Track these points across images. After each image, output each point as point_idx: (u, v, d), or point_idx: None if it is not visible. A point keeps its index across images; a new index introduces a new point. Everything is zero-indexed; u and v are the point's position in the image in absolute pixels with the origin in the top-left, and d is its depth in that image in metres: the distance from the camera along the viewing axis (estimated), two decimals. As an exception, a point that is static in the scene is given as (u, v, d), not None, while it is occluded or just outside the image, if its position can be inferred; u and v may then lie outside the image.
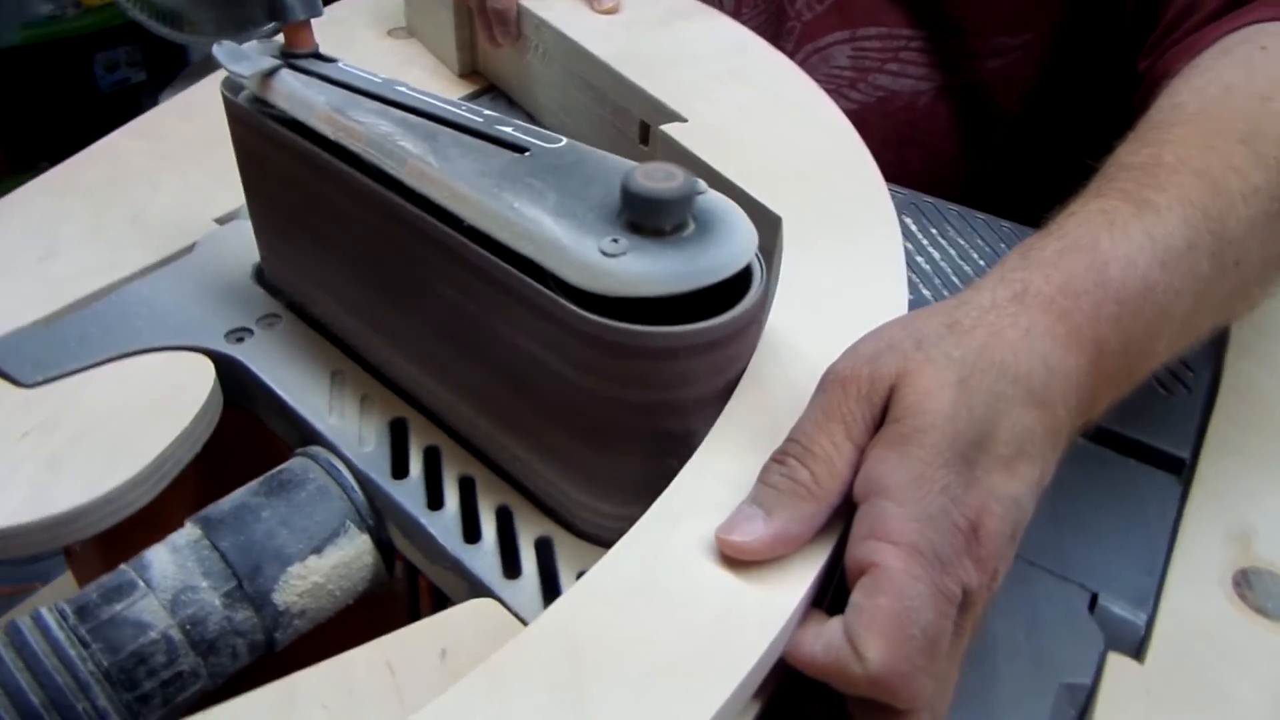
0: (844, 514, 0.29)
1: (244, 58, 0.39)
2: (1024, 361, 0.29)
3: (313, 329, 0.44)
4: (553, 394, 0.33)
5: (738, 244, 0.31)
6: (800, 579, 0.28)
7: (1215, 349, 0.48)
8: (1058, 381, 0.30)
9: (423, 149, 0.34)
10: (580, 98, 0.58)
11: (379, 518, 0.37)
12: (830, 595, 0.30)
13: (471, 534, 0.35)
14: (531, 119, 0.64)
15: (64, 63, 1.93)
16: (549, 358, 0.32)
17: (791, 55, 0.63)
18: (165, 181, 0.53)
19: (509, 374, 0.34)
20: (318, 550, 0.36)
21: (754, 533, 0.28)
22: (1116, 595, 0.36)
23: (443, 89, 0.66)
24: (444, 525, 0.36)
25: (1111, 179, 0.36)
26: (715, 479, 0.31)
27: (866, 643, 0.26)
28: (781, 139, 0.48)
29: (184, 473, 0.47)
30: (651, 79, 0.52)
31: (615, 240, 0.30)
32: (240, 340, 0.43)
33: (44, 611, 0.33)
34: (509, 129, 0.36)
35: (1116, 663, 0.34)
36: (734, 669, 0.26)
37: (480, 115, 0.37)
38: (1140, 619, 0.36)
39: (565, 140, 0.35)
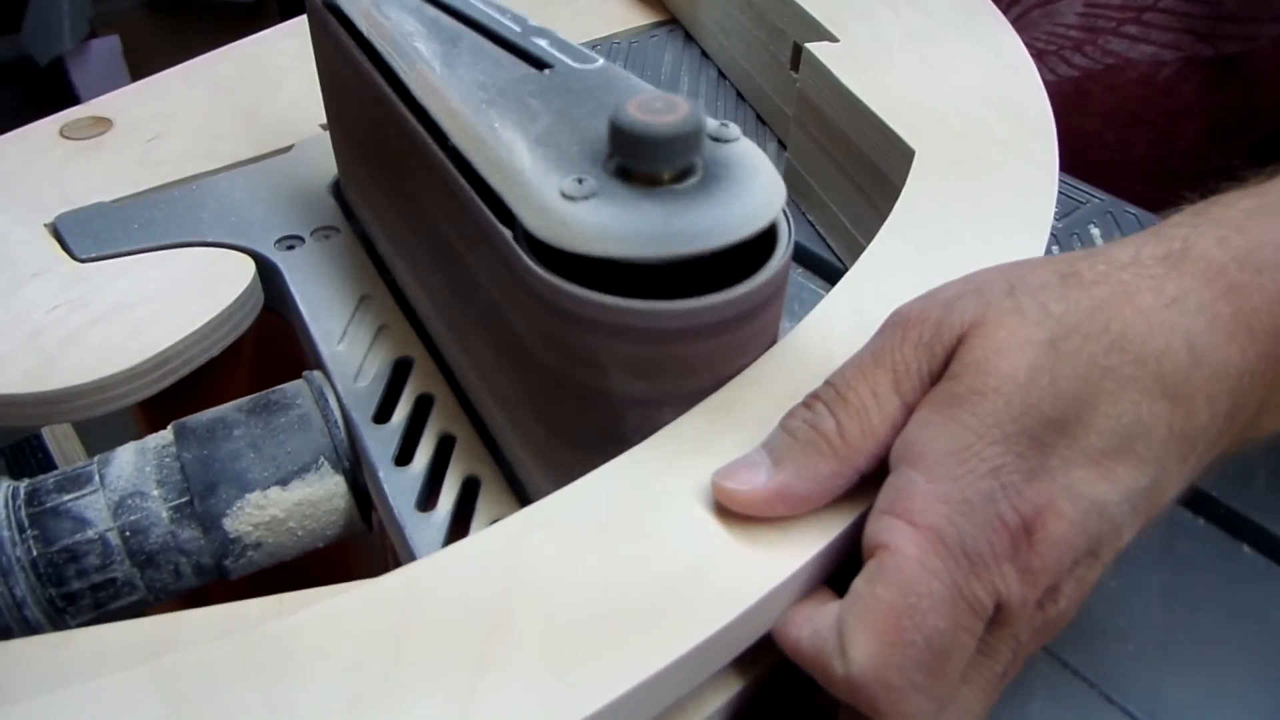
0: (878, 481, 0.23)
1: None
2: (1157, 338, 0.23)
3: (364, 247, 0.41)
4: (519, 361, 0.28)
5: (744, 206, 0.24)
6: (801, 548, 0.23)
7: None
8: (1204, 373, 0.23)
9: (435, 53, 0.30)
10: (740, 18, 0.53)
11: (358, 461, 0.34)
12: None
13: (426, 501, 0.31)
14: (691, 39, 0.60)
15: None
16: (514, 317, 0.27)
17: (1007, 10, 0.53)
18: (292, 82, 0.52)
19: (487, 327, 0.30)
20: (283, 482, 0.33)
21: (752, 482, 0.23)
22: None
23: (620, 11, 0.62)
24: (402, 484, 0.32)
25: None
26: (741, 422, 0.25)
27: (854, 638, 0.21)
28: (943, 71, 0.42)
29: (240, 372, 0.47)
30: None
31: (580, 181, 0.24)
32: (290, 248, 0.41)
33: (2, 486, 0.32)
34: (544, 41, 0.30)
35: None
36: (685, 636, 0.21)
37: (520, 25, 0.31)
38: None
39: (601, 61, 0.29)
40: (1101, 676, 0.28)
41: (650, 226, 0.23)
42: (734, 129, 0.26)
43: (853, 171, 0.41)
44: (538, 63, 0.29)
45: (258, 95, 0.51)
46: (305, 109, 0.50)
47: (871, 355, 0.24)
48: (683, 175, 0.24)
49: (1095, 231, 0.45)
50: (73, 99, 0.52)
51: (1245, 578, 0.32)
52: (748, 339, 0.26)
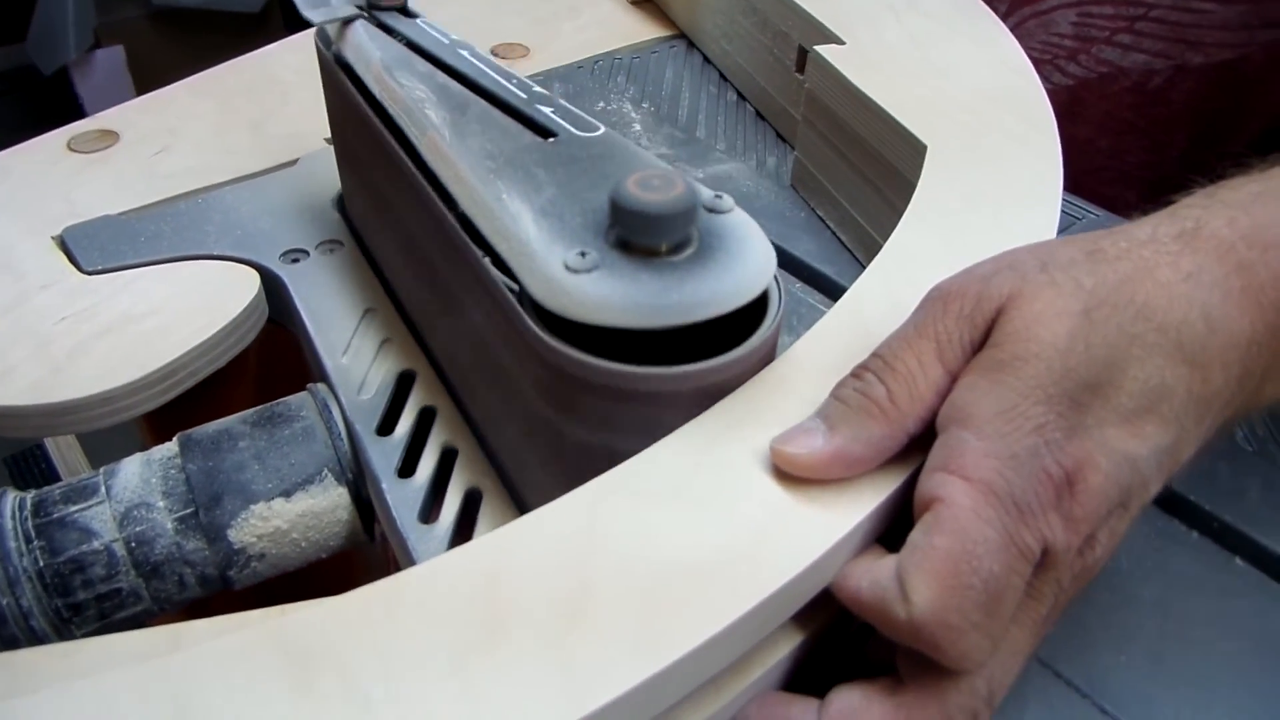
0: (925, 444, 0.25)
1: (321, 3, 0.37)
2: (1178, 309, 0.25)
3: (368, 263, 0.41)
4: (523, 417, 0.29)
5: (736, 277, 0.25)
6: (857, 507, 0.25)
7: None
8: (1219, 341, 0.25)
9: (445, 121, 0.31)
10: (744, 23, 0.55)
11: (362, 473, 0.34)
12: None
13: (429, 513, 0.32)
14: (693, 45, 0.61)
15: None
16: (515, 369, 0.28)
17: (1005, 18, 0.54)
18: (298, 97, 0.53)
19: (486, 375, 0.30)
20: (286, 494, 0.34)
21: (810, 446, 0.25)
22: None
23: (623, 24, 0.62)
24: (405, 496, 0.32)
25: None
26: (790, 394, 0.27)
27: (916, 584, 0.22)
28: (945, 70, 0.43)
29: (245, 385, 0.47)
30: (818, 2, 0.48)
31: (583, 254, 0.24)
32: (295, 261, 0.41)
33: (8, 498, 0.32)
34: (549, 110, 0.31)
35: None
36: (757, 589, 0.23)
37: (527, 92, 0.32)
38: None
39: (603, 130, 0.30)
40: (1095, 688, 0.29)
41: (649, 298, 0.24)
42: (727, 200, 0.27)
43: (864, 168, 0.42)
44: (543, 131, 0.30)
45: (263, 109, 0.51)
46: (310, 123, 0.50)
47: (915, 328, 0.26)
48: (679, 247, 0.25)
49: (1091, 246, 0.46)
50: (77, 109, 0.52)
51: (1238, 590, 0.32)
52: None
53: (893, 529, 0.26)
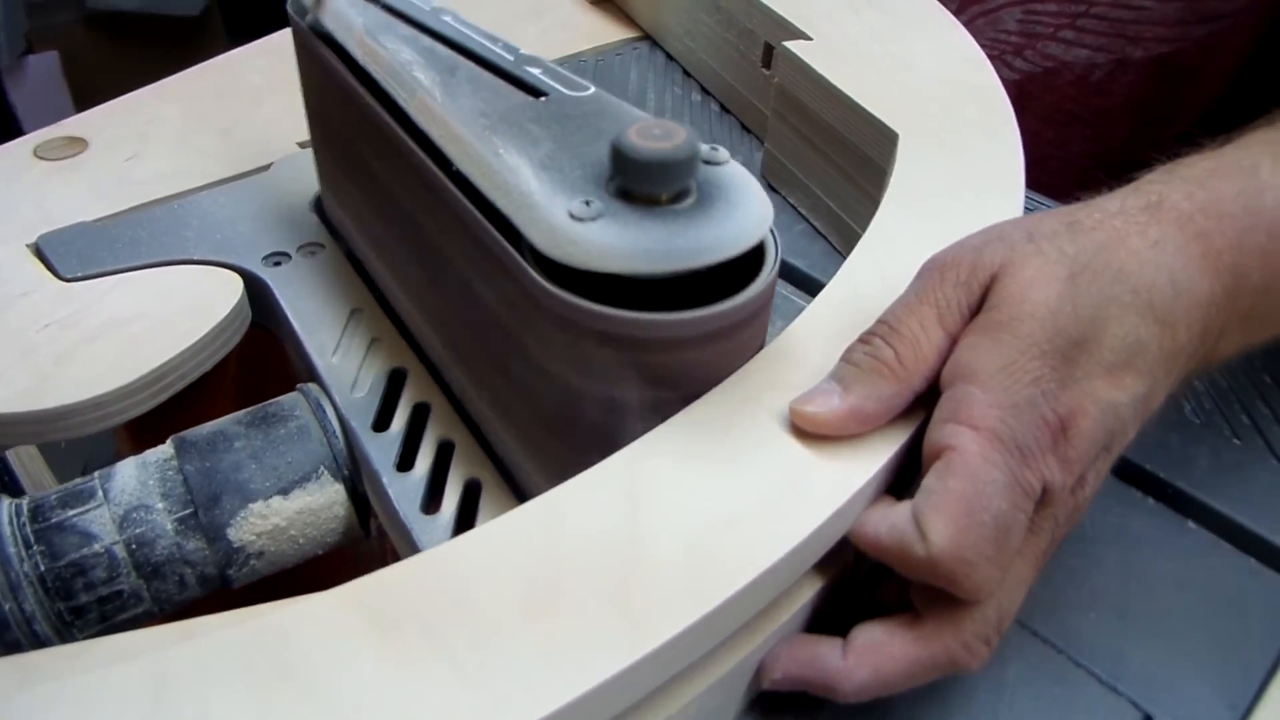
0: (927, 401, 0.28)
1: (300, -28, 0.38)
2: (1147, 273, 0.27)
3: (350, 263, 0.42)
4: (523, 372, 0.29)
5: (740, 223, 0.26)
6: (872, 458, 0.27)
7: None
8: (1184, 301, 0.28)
9: (434, 82, 0.31)
10: (707, 21, 0.56)
11: (357, 469, 0.35)
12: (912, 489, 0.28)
13: (431, 504, 0.32)
14: (655, 45, 0.63)
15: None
16: (519, 329, 0.28)
17: (955, 15, 0.56)
18: (268, 101, 0.53)
19: (486, 340, 0.31)
20: (284, 491, 0.34)
21: (828, 406, 0.27)
22: (1178, 725, 0.29)
23: (586, 26, 0.63)
24: (405, 489, 0.33)
25: None
26: (800, 363, 0.29)
27: (932, 523, 0.25)
28: (908, 63, 0.46)
29: (224, 389, 0.47)
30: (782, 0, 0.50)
31: (588, 203, 0.25)
32: (277, 264, 0.42)
33: (4, 504, 0.32)
34: (537, 70, 0.32)
35: (1154, 810, 0.27)
36: (790, 536, 0.25)
37: (513, 54, 0.33)
38: (1203, 762, 0.28)
39: (593, 89, 0.31)
40: (1069, 643, 0.31)
41: (654, 244, 0.25)
42: (723, 152, 0.28)
43: (836, 157, 0.44)
44: (533, 91, 0.31)
45: (233, 114, 0.51)
46: (281, 127, 0.50)
47: (916, 295, 0.28)
48: (680, 196, 0.26)
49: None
50: (9, 116, 0.51)
51: (1192, 550, 0.35)
52: (742, 344, 0.28)
53: (897, 481, 0.28)
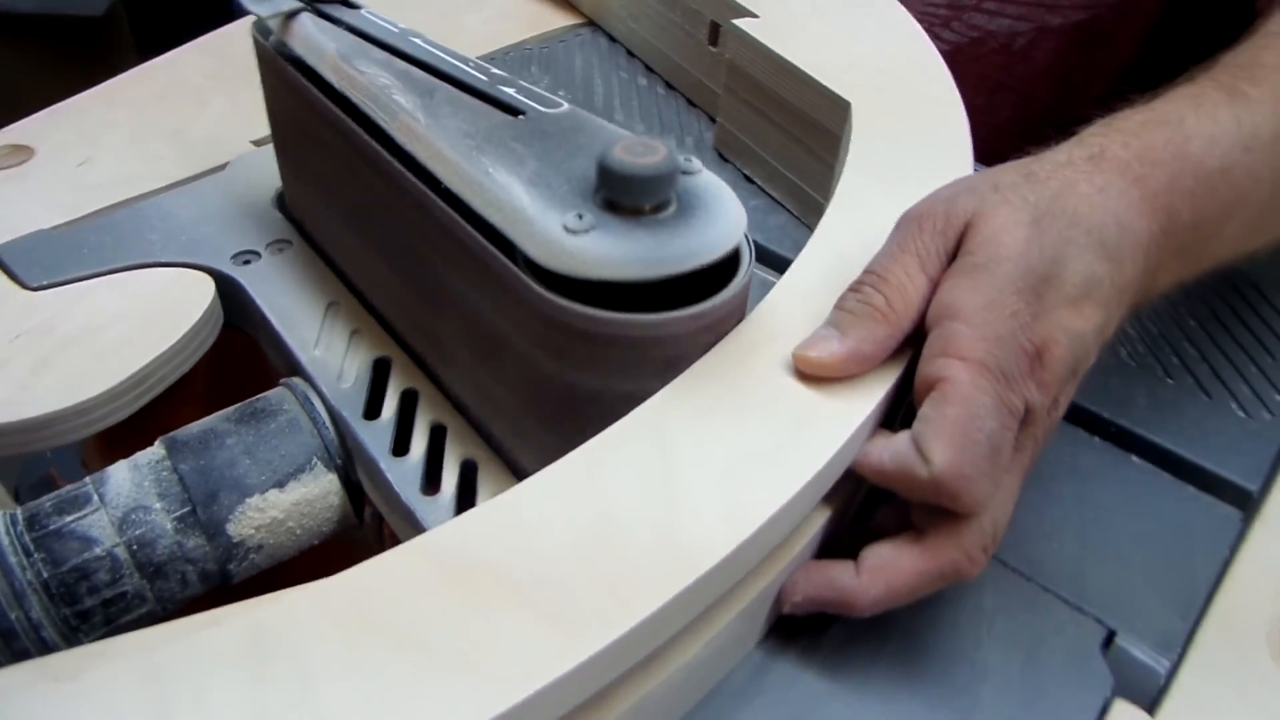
0: (914, 342, 0.30)
1: None
2: (1097, 215, 0.30)
3: (320, 259, 0.42)
4: (517, 373, 0.31)
5: (719, 230, 0.28)
6: (871, 394, 0.29)
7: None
8: (1129, 240, 0.30)
9: (415, 104, 0.32)
10: (651, 2, 0.58)
11: (349, 458, 0.36)
12: (899, 420, 0.31)
13: (431, 485, 0.33)
14: (598, 30, 0.64)
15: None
16: (512, 333, 0.30)
17: None
18: (215, 100, 0.52)
19: (479, 345, 0.32)
20: (280, 484, 0.35)
21: (829, 350, 0.29)
22: (1138, 636, 0.32)
23: (528, 14, 0.64)
24: (403, 473, 0.34)
25: (1209, 73, 0.36)
26: (788, 317, 0.31)
27: (932, 446, 0.27)
28: (852, 35, 0.48)
29: (194, 391, 0.47)
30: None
31: (580, 216, 0.27)
32: (246, 263, 0.42)
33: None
34: (511, 90, 0.33)
35: (1124, 712, 0.30)
36: (808, 465, 0.27)
37: (487, 74, 0.34)
38: (1162, 666, 0.31)
39: (567, 106, 0.32)
40: (1036, 571, 0.33)
41: (645, 252, 0.27)
42: (696, 163, 0.30)
43: (790, 127, 0.46)
44: (511, 110, 0.32)
45: (182, 115, 0.51)
46: (232, 127, 0.50)
47: (898, 245, 0.31)
48: (661, 206, 0.28)
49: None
50: None
51: (1136, 481, 0.38)
52: (723, 335, 0.30)
53: (889, 414, 0.31)
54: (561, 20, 0.64)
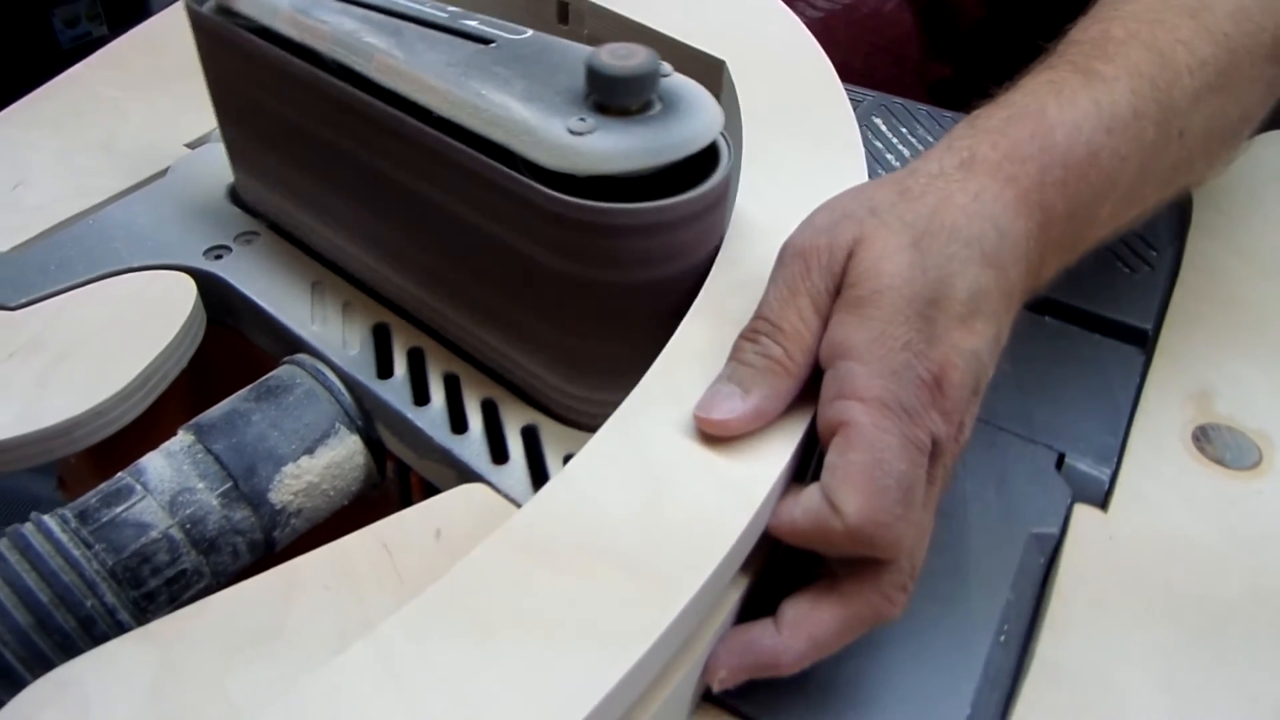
0: (815, 386, 0.29)
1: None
2: (975, 225, 0.30)
3: (291, 243, 0.44)
4: (529, 282, 0.34)
5: (703, 121, 0.31)
6: (780, 451, 0.29)
7: (1178, 228, 0.49)
8: (1008, 244, 0.30)
9: (389, 43, 0.35)
10: None
11: (368, 418, 0.38)
12: (810, 471, 0.31)
13: (459, 425, 0.36)
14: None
15: (20, 18, 1.88)
16: (524, 244, 0.33)
17: None
18: (134, 109, 0.53)
19: (486, 267, 0.35)
20: (310, 451, 0.37)
21: (734, 410, 0.28)
22: (1082, 454, 0.38)
23: None
24: (431, 419, 0.37)
25: (1061, 54, 0.36)
26: (688, 363, 0.31)
27: (843, 497, 0.26)
28: (710, 5, 0.49)
29: (172, 391, 0.48)
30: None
31: (582, 119, 0.30)
32: (219, 257, 0.43)
33: (45, 517, 0.34)
34: (474, 22, 0.36)
35: (1082, 513, 0.36)
36: (723, 540, 0.26)
37: (445, 10, 0.37)
38: (1105, 474, 0.37)
39: (530, 31, 0.35)
40: (992, 416, 0.39)
41: (644, 145, 0.30)
42: (667, 66, 0.33)
43: None
44: (480, 40, 0.35)
45: (103, 129, 0.51)
46: (160, 132, 0.51)
47: (787, 287, 0.30)
48: (647, 106, 0.31)
49: (878, 121, 0.56)
50: None
51: (1050, 336, 0.44)
52: (714, 224, 0.34)
53: (799, 468, 0.30)
54: None
